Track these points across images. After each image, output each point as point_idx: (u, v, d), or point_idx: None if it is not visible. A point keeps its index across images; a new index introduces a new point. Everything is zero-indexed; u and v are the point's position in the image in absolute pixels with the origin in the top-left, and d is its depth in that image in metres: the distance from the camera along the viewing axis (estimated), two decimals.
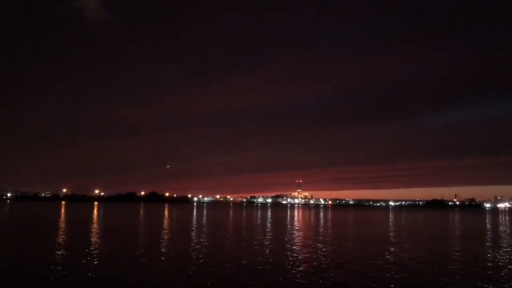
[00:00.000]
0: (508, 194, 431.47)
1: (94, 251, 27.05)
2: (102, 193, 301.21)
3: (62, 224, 52.03)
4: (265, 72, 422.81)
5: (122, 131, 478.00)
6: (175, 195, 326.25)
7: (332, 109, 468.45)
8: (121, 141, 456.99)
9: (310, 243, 35.35)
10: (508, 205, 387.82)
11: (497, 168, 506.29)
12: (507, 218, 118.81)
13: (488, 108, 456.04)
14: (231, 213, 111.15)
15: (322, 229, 53.24)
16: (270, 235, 41.96)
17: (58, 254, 25.46)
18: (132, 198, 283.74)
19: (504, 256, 29.36)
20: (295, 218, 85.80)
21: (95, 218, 67.39)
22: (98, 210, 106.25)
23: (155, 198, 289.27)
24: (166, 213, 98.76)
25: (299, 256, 26.84)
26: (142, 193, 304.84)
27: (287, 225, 61.20)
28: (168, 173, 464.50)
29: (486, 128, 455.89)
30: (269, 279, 19.10)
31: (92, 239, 34.99)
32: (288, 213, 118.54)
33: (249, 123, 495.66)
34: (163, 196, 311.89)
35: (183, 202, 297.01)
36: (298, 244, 34.33)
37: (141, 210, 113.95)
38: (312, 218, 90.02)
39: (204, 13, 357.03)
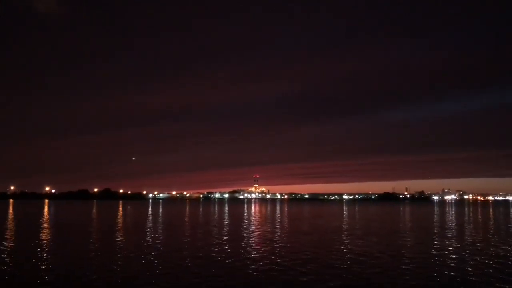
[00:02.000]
0: (455, 187, 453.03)
1: (44, 253, 25.98)
2: (53, 191, 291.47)
3: (9, 224, 49.72)
4: (222, 69, 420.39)
5: (74, 128, 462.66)
6: (129, 192, 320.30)
7: (288, 107, 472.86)
8: (73, 138, 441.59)
9: (267, 237, 35.51)
10: (455, 197, 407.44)
11: (445, 163, 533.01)
12: (453, 209, 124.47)
13: (437, 107, 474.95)
14: (187, 209, 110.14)
15: (278, 223, 53.65)
16: (226, 230, 41.84)
17: (3, 257, 24.28)
18: (84, 195, 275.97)
19: (452, 244, 30.69)
20: (252, 213, 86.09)
21: (45, 217, 64.89)
22: (48, 208, 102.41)
23: (108, 195, 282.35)
24: (119, 210, 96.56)
25: (256, 251, 26.87)
26: (95, 190, 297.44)
27: (244, 220, 61.27)
28: (123, 171, 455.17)
29: (435, 126, 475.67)
30: (227, 275, 18.99)
31: (41, 239, 33.62)
32: (245, 208, 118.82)
33: (206, 120, 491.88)
34: (117, 193, 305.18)
35: (138, 198, 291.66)
36: (255, 239, 34.38)
37: (94, 208, 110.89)
38: (269, 212, 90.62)
39: (155, 7, 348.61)
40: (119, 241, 32.27)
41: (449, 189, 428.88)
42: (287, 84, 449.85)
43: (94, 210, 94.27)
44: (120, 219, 61.78)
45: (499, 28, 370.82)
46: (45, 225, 48.27)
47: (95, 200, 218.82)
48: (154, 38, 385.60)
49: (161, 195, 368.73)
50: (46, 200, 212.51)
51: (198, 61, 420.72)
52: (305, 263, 22.22)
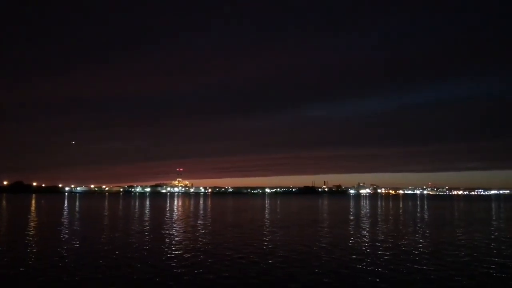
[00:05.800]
0: (369, 181, 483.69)
1: None
2: None
3: None
4: (145, 60, 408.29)
5: None
6: (43, 185, 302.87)
7: (212, 100, 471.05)
8: None
9: (189, 230, 35.50)
10: (369, 191, 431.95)
11: (360, 159, 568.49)
12: (367, 202, 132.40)
13: (356, 105, 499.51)
14: (106, 203, 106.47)
15: (202, 217, 53.67)
16: (146, 226, 41.11)
17: None
18: None
19: (364, 232, 32.73)
20: (174, 207, 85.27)
21: None
22: None
23: (20, 188, 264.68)
24: (32, 204, 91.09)
25: (178, 247, 26.80)
26: (5, 182, 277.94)
27: (167, 214, 60.58)
28: (37, 162, 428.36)
29: (353, 123, 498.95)
30: (144, 272, 18.82)
31: None
32: (168, 202, 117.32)
33: (128, 111, 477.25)
34: (30, 185, 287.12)
35: (53, 192, 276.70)
36: (175, 233, 34.19)
37: (3, 202, 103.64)
38: (192, 206, 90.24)
39: None
40: (27, 239, 30.61)
41: (364, 183, 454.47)
42: (209, 78, 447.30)
43: (2, 204, 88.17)
44: (31, 214, 58.37)
45: (413, 29, 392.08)
46: None
47: (4, 194, 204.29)
48: (72, 26, 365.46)
49: (78, 188, 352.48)
50: None
51: (119, 51, 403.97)
52: (230, 257, 22.58)
